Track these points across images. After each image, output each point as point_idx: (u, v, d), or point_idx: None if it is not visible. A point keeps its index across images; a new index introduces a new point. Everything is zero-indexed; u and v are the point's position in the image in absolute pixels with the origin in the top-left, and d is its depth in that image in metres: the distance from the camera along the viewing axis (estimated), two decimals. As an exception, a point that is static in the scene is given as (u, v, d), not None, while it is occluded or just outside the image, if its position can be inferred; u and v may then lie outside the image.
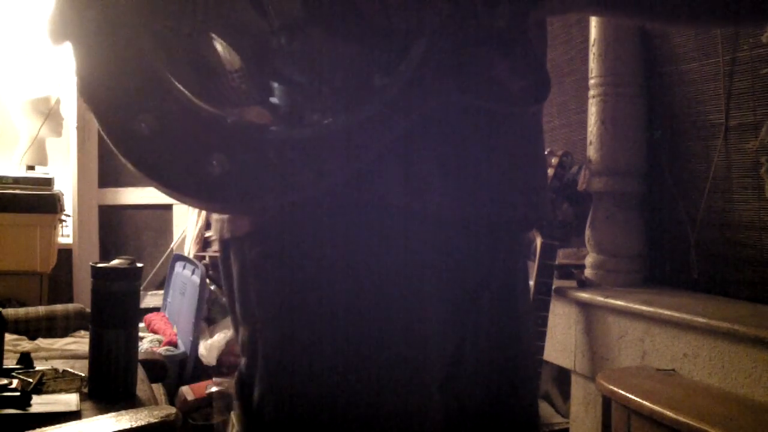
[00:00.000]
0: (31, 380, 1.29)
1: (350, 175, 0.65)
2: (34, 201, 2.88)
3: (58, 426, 1.01)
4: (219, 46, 0.63)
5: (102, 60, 0.62)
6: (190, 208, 3.31)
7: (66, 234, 3.45)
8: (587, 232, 2.11)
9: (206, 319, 2.87)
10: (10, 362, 1.39)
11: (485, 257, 0.79)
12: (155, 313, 3.14)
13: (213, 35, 0.62)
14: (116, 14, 0.62)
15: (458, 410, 0.78)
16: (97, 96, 0.62)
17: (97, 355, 1.33)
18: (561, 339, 2.11)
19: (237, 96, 0.63)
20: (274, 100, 0.64)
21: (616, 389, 1.56)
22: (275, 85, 0.64)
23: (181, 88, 0.61)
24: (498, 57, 0.71)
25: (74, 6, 0.62)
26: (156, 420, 1.05)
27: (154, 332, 2.88)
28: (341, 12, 0.65)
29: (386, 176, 0.69)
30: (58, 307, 2.51)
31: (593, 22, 2.09)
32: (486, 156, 0.76)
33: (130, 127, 0.60)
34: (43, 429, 0.99)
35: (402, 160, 0.69)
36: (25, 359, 1.40)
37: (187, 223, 3.44)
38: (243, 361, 0.78)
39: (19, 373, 1.32)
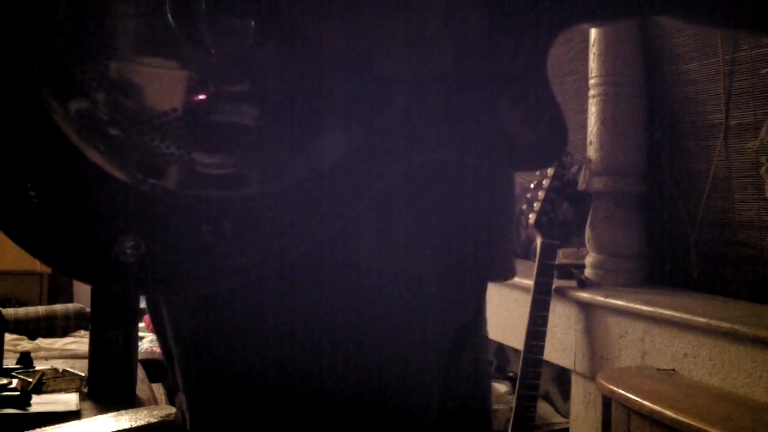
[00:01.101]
0: (31, 380, 1.29)
1: (308, 247, 0.52)
2: (34, 201, 2.88)
3: (58, 426, 1.01)
4: (135, 81, 0.47)
5: None
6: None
7: (66, 234, 3.45)
8: (587, 232, 2.11)
9: (206, 319, 2.86)
10: (10, 362, 1.39)
11: (467, 312, 0.71)
12: (155, 313, 3.13)
13: (126, 67, 0.46)
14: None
15: None
16: None
17: (97, 355, 1.33)
18: (561, 339, 2.11)
19: (158, 152, 0.46)
20: (206, 156, 0.48)
21: (616, 389, 1.56)
22: (210, 134, 0.48)
23: (82, 144, 0.46)
24: (507, 103, 0.56)
25: None
26: (156, 420, 1.05)
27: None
28: (300, 38, 0.49)
29: (358, 241, 0.57)
30: (58, 307, 2.51)
31: (593, 22, 2.09)
32: (464, 211, 0.65)
33: (15, 197, 0.46)
34: (43, 429, 0.99)
35: (378, 218, 0.57)
36: (25, 359, 1.40)
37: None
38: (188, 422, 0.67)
39: (19, 373, 1.32)
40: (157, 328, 0.68)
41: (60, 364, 1.45)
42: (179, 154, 0.47)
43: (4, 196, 0.46)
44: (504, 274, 0.72)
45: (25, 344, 2.15)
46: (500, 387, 2.39)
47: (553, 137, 0.58)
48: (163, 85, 0.47)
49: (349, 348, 0.58)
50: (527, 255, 2.46)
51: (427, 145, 0.54)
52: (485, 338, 0.80)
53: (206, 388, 0.61)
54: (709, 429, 1.30)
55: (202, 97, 0.47)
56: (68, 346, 2.20)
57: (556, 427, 2.17)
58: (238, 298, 0.56)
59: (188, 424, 0.66)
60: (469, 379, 0.74)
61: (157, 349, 2.60)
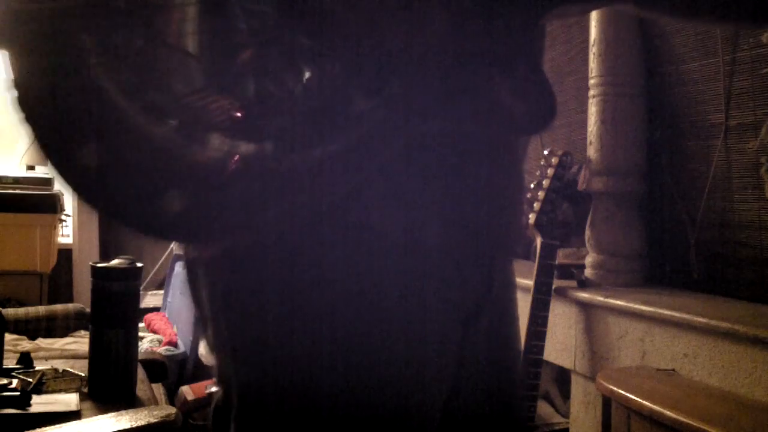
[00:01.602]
0: (31, 380, 1.29)
1: (325, 206, 0.58)
2: (34, 201, 2.87)
3: (58, 426, 1.02)
4: (176, 63, 0.54)
5: (44, 76, 0.53)
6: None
7: (66, 234, 3.44)
8: (587, 232, 2.11)
9: (206, 319, 2.86)
10: (10, 362, 1.39)
11: (478, 283, 0.73)
12: (155, 313, 3.13)
13: (169, 51, 0.53)
14: (59, 25, 0.52)
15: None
16: (37, 116, 0.53)
17: (97, 355, 1.33)
18: (561, 339, 2.11)
19: (197, 122, 0.54)
20: (239, 125, 0.55)
21: (616, 389, 1.56)
22: (241, 108, 0.55)
23: (134, 113, 0.53)
24: (498, 77, 0.62)
25: (8, 8, 0.53)
26: (156, 420, 1.05)
27: (154, 332, 2.87)
28: (319, 23, 0.55)
29: (367, 204, 0.62)
30: (58, 307, 2.51)
31: (593, 22, 2.09)
32: (473, 182, 0.69)
33: (75, 156, 0.53)
34: (43, 429, 0.99)
35: (387, 185, 0.62)
36: (25, 359, 1.40)
37: (187, 223, 3.44)
38: (219, 392, 0.72)
39: (19, 373, 1.32)
40: (194, 292, 0.73)
41: (60, 364, 1.45)
42: (216, 124, 0.54)
43: (66, 154, 0.53)
44: (509, 245, 0.77)
45: (25, 344, 2.15)
46: (500, 387, 2.38)
47: (541, 105, 0.65)
48: (200, 60, 0.54)
49: (358, 304, 0.63)
50: (527, 255, 2.46)
51: (428, 116, 0.59)
52: (506, 318, 0.81)
53: (235, 338, 0.66)
54: (709, 429, 1.30)
55: (240, 66, 0.54)
56: (68, 346, 2.20)
57: (556, 427, 2.17)
58: (266, 255, 0.62)
59: (217, 384, 0.72)
60: (487, 353, 0.76)
61: (157, 349, 2.60)
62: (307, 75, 0.56)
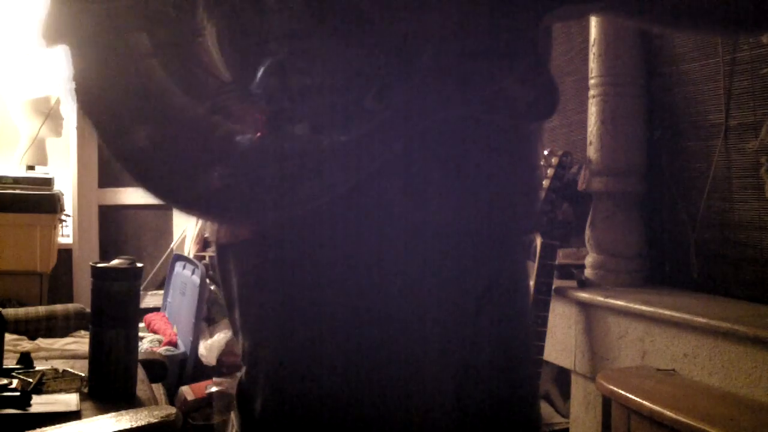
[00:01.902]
0: (31, 380, 1.29)
1: (352, 186, 0.63)
2: (34, 201, 2.87)
3: (58, 426, 1.01)
4: (215, 54, 0.59)
5: (98, 66, 0.59)
6: (190, 208, 3.30)
7: (66, 234, 3.44)
8: (587, 232, 2.11)
9: (206, 319, 2.86)
10: (10, 362, 1.39)
11: (488, 266, 0.78)
12: (155, 313, 3.13)
13: (209, 43, 0.58)
14: (113, 19, 0.58)
15: (460, 411, 0.77)
16: (92, 103, 0.59)
17: (97, 355, 1.33)
18: (561, 339, 2.11)
19: (236, 106, 0.59)
20: (273, 109, 0.60)
21: (616, 389, 1.56)
22: (274, 93, 0.60)
23: (181, 96, 0.59)
24: (506, 68, 0.68)
25: (70, 9, 0.59)
26: (156, 420, 1.05)
27: (154, 332, 2.87)
28: (347, 16, 0.61)
29: (387, 185, 0.67)
30: (58, 307, 2.50)
31: (593, 22, 2.09)
32: (487, 164, 0.74)
33: (128, 137, 0.58)
34: (43, 429, 0.99)
35: (402, 169, 0.68)
36: (25, 359, 1.40)
37: (187, 223, 3.44)
38: (244, 370, 0.76)
39: (19, 373, 1.32)
40: (223, 276, 0.78)
41: (60, 364, 1.45)
42: (254, 108, 0.59)
43: (119, 136, 0.58)
44: (524, 227, 0.82)
45: (25, 344, 2.15)
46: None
47: (546, 96, 0.71)
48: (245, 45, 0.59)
49: (377, 286, 0.68)
50: (527, 255, 2.46)
51: (446, 101, 0.64)
52: (515, 303, 0.84)
53: (264, 321, 0.71)
54: (709, 429, 1.30)
55: (278, 56, 0.59)
56: (68, 346, 2.20)
57: (556, 427, 2.17)
58: (291, 239, 0.68)
59: (242, 362, 0.76)
60: (495, 341, 0.80)
61: (157, 349, 2.60)
62: (332, 66, 0.61)
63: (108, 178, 3.49)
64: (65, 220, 3.31)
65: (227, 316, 0.82)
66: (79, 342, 2.25)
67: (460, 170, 0.72)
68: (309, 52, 0.60)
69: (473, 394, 0.79)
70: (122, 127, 0.59)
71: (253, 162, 0.59)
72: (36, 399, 1.19)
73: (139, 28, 0.58)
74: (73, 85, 0.59)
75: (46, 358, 1.61)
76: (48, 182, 2.95)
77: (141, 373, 1.43)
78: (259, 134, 0.59)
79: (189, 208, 0.63)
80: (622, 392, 1.53)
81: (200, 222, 3.25)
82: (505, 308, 0.83)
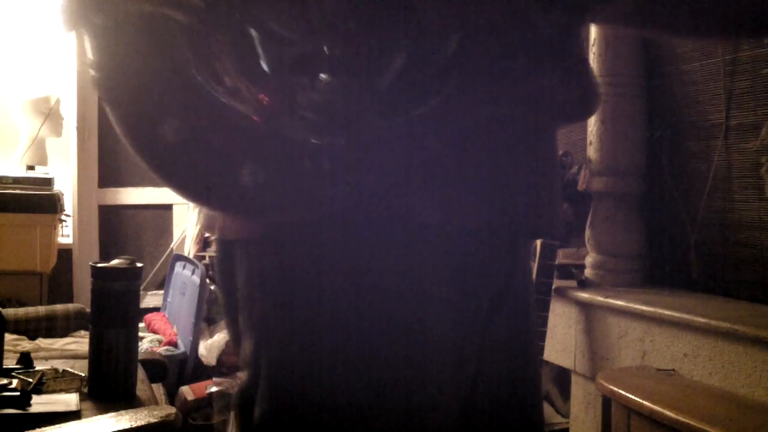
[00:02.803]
0: (31, 380, 1.29)
1: (379, 188, 0.60)
2: (34, 201, 2.87)
3: (58, 426, 1.01)
4: (249, 48, 0.55)
5: (124, 53, 0.55)
6: (191, 208, 3.31)
7: (66, 234, 3.44)
8: (587, 232, 2.11)
9: (206, 319, 2.86)
10: (10, 362, 1.39)
11: (505, 268, 0.75)
12: (155, 313, 3.13)
13: (246, 35, 0.55)
14: (141, 3, 0.55)
15: (465, 417, 0.76)
16: (116, 93, 0.56)
17: (97, 355, 1.33)
18: (561, 339, 2.11)
19: (268, 102, 0.56)
20: (306, 108, 0.57)
21: (616, 389, 1.56)
22: (310, 91, 0.56)
23: (212, 90, 0.54)
24: (548, 66, 0.65)
25: None
26: (156, 420, 1.05)
27: (154, 332, 2.87)
28: (391, 10, 0.57)
29: (413, 191, 0.63)
30: (58, 307, 2.51)
31: (593, 22, 2.09)
32: (516, 167, 0.70)
33: (154, 131, 0.55)
34: (43, 429, 0.99)
35: (430, 173, 0.64)
36: (25, 359, 1.40)
37: (187, 223, 3.44)
38: (244, 375, 0.73)
39: (19, 373, 1.32)
40: (225, 274, 0.74)
41: (60, 364, 1.45)
42: (287, 104, 0.56)
43: (144, 128, 0.55)
44: (548, 229, 0.78)
45: (25, 344, 2.15)
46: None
47: (587, 94, 0.68)
48: (273, 50, 0.55)
49: (393, 292, 0.64)
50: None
51: (484, 100, 0.62)
52: (526, 307, 0.82)
53: (270, 322, 0.67)
54: (709, 429, 1.30)
55: (296, 59, 0.56)
56: (68, 346, 2.20)
57: (556, 427, 2.17)
58: (305, 240, 0.64)
59: (243, 365, 0.73)
60: (507, 344, 0.77)
61: (157, 349, 2.60)
62: (376, 60, 0.57)
63: (108, 178, 3.49)
64: (65, 220, 3.31)
65: (224, 317, 0.79)
66: (79, 342, 2.25)
67: (485, 172, 0.68)
68: (351, 49, 0.57)
69: (479, 398, 0.76)
70: (148, 120, 0.55)
71: (288, 158, 0.56)
72: (36, 399, 1.19)
73: (170, 16, 0.54)
74: (95, 73, 0.56)
75: (46, 358, 1.61)
76: (48, 182, 2.95)
77: (141, 373, 1.43)
78: (256, 119, 0.56)
79: (217, 208, 0.61)
80: (622, 392, 1.53)
81: (201, 220, 3.25)
82: (518, 309, 0.80)
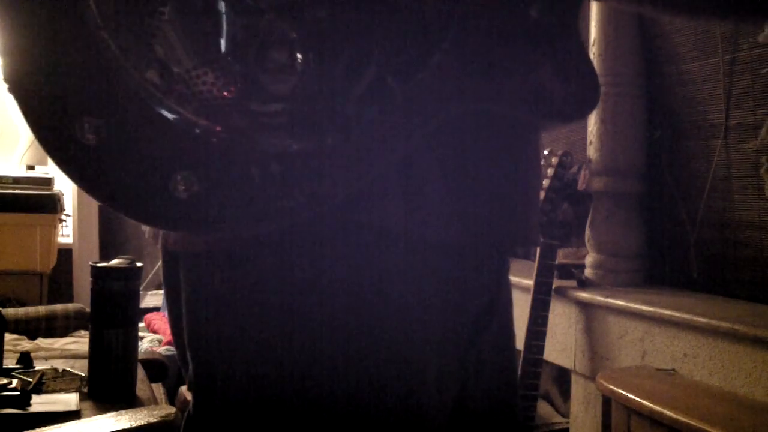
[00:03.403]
0: (31, 380, 1.29)
1: (345, 197, 0.52)
2: (34, 201, 2.87)
3: (58, 426, 1.01)
4: (184, 32, 0.48)
5: (32, 40, 0.47)
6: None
7: (66, 234, 3.44)
8: (587, 232, 2.11)
9: (206, 319, 2.86)
10: (10, 362, 1.39)
11: (489, 283, 0.69)
12: (155, 313, 3.14)
13: (178, 18, 0.47)
14: None
15: (459, 417, 0.74)
16: (26, 89, 0.47)
17: (97, 355, 1.33)
18: (561, 339, 2.11)
19: (208, 97, 0.48)
20: (257, 104, 0.49)
21: (616, 389, 1.56)
22: (258, 80, 0.49)
23: (142, 84, 0.47)
24: (541, 56, 0.57)
25: None
26: (156, 420, 1.05)
27: (154, 332, 2.87)
28: None
29: (384, 198, 0.56)
30: (58, 307, 2.51)
31: (593, 21, 2.09)
32: (496, 170, 0.63)
33: (70, 132, 0.47)
34: (43, 429, 0.99)
35: (402, 179, 0.57)
36: (25, 359, 1.40)
37: (187, 223, 3.44)
38: (191, 401, 0.64)
39: (19, 373, 1.32)
40: (171, 287, 0.67)
41: (60, 364, 1.45)
42: (233, 99, 0.48)
43: (58, 129, 0.47)
44: (527, 243, 0.71)
45: (25, 344, 2.15)
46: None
47: (585, 90, 0.59)
48: (219, 31, 0.48)
49: (364, 311, 0.57)
50: (527, 255, 2.46)
51: (464, 96, 0.54)
52: (510, 323, 0.77)
53: (220, 347, 0.59)
54: (709, 429, 1.30)
55: (254, 45, 0.48)
56: (68, 346, 2.20)
57: (556, 427, 2.17)
58: (260, 256, 0.56)
59: (190, 388, 0.65)
60: (493, 364, 0.72)
61: (157, 349, 2.60)
62: (343, 54, 0.51)
63: (108, 178, 3.49)
64: (65, 220, 3.31)
65: (172, 336, 0.72)
66: (79, 342, 2.25)
67: (467, 178, 0.61)
68: (307, 29, 0.49)
69: (465, 415, 0.72)
70: (63, 119, 0.47)
71: (230, 165, 0.49)
72: (36, 399, 1.19)
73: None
74: (2, 65, 0.48)
75: (46, 358, 1.61)
76: (48, 182, 2.95)
77: (141, 373, 1.43)
78: (190, 116, 0.49)
79: (143, 221, 0.52)
80: (622, 392, 1.53)
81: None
82: (501, 334, 0.75)
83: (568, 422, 2.13)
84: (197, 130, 0.48)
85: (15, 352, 1.69)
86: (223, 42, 0.48)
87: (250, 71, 0.48)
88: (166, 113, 0.48)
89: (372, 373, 0.58)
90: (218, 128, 0.48)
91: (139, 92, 0.47)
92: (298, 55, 0.49)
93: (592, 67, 0.62)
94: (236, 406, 0.59)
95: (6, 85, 0.48)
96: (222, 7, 0.48)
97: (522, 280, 2.07)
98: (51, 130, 0.47)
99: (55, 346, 2.20)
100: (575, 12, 0.59)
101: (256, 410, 0.58)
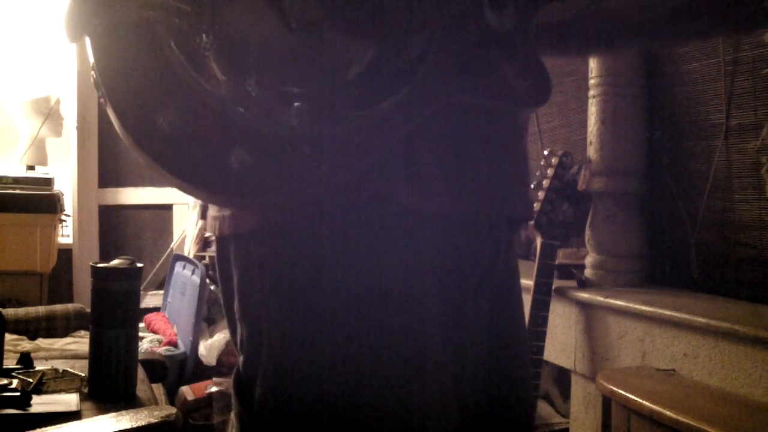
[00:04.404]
0: (31, 380, 1.29)
1: (358, 173, 0.65)
2: (34, 201, 2.87)
3: (58, 426, 1.01)
4: (230, 47, 0.63)
5: (120, 55, 0.62)
6: (190, 207, 3.31)
7: (66, 234, 3.45)
8: (587, 232, 2.11)
9: (206, 319, 2.86)
10: (10, 362, 1.39)
11: (486, 255, 0.80)
12: (155, 313, 3.14)
13: (225, 35, 0.63)
14: (132, 11, 0.62)
15: (458, 409, 0.77)
16: (115, 92, 0.62)
17: (97, 355, 1.33)
18: (561, 339, 2.11)
19: (251, 94, 0.63)
20: (287, 97, 0.64)
21: (616, 389, 1.56)
22: (288, 82, 0.64)
23: (201, 83, 0.62)
24: (504, 58, 0.73)
25: (91, 2, 0.63)
26: (156, 420, 1.05)
27: (154, 332, 2.88)
28: (359, 8, 0.66)
29: (388, 176, 0.69)
30: (58, 307, 2.51)
31: (593, 22, 2.09)
32: (484, 154, 0.76)
33: (150, 123, 0.61)
34: (43, 429, 0.99)
35: (404, 159, 0.70)
36: (25, 359, 1.40)
37: (187, 223, 3.44)
38: (241, 359, 0.77)
39: (19, 373, 1.32)
40: (223, 267, 0.80)
41: (60, 364, 1.45)
42: (268, 95, 0.63)
43: (141, 122, 0.61)
44: (521, 215, 0.85)
45: (25, 344, 2.15)
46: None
47: (539, 85, 0.77)
48: (258, 35, 0.64)
49: (372, 275, 0.70)
50: (527, 255, 2.46)
51: (449, 88, 0.69)
52: (513, 301, 0.88)
53: (264, 310, 0.73)
54: (709, 429, 1.30)
55: (285, 43, 0.64)
56: (68, 346, 2.20)
57: (556, 427, 2.17)
58: (291, 229, 0.71)
59: (239, 351, 0.78)
60: (494, 327, 0.82)
61: (157, 349, 2.60)
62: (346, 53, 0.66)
63: (108, 178, 3.49)
64: (65, 220, 3.31)
65: (224, 312, 0.84)
66: (79, 342, 2.25)
67: (461, 158, 0.74)
68: (324, 45, 0.65)
69: (471, 391, 0.79)
70: (144, 114, 0.61)
71: (272, 144, 0.62)
72: (36, 399, 1.19)
73: (158, 20, 0.62)
74: (96, 75, 0.62)
75: (46, 358, 1.61)
76: (48, 182, 2.95)
77: (141, 373, 1.43)
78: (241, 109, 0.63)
79: (206, 190, 0.65)
80: (622, 392, 1.53)
81: (200, 221, 3.25)
82: (503, 297, 0.85)
83: (568, 422, 2.13)
84: (248, 118, 0.62)
85: (15, 352, 1.69)
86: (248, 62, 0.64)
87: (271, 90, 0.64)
88: (223, 103, 0.62)
89: (378, 335, 0.69)
90: (263, 117, 0.62)
91: (201, 88, 0.62)
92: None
93: (544, 68, 0.78)
94: (278, 358, 0.71)
95: (100, 93, 0.62)
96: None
97: (522, 280, 2.06)
98: (136, 125, 0.61)
99: (55, 346, 2.20)
100: (531, 24, 0.76)
101: (294, 365, 0.70)
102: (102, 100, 0.63)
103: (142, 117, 0.61)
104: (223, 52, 0.63)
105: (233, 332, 0.80)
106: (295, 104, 0.63)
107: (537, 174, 2.08)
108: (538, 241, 2.01)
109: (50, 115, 3.20)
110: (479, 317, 0.80)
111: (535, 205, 2.04)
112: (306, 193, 0.65)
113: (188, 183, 0.62)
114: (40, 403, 1.19)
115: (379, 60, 0.66)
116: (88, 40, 0.62)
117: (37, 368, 1.39)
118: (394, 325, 0.70)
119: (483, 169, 0.76)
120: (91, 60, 0.63)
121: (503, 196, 0.79)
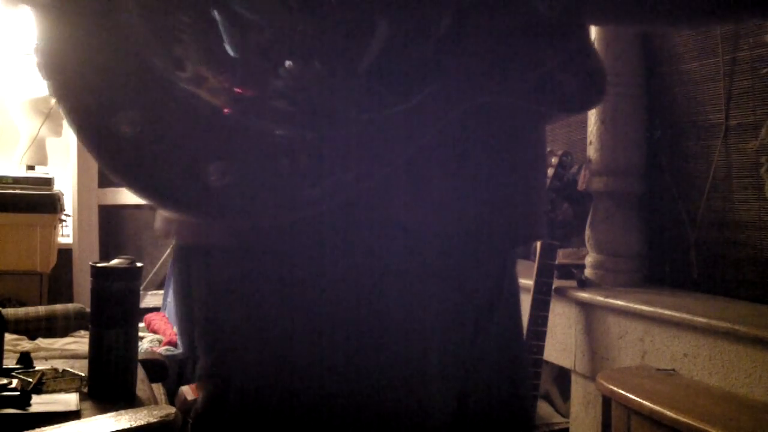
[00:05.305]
0: (31, 380, 1.29)
1: (364, 187, 0.54)
2: (34, 201, 2.87)
3: (58, 426, 1.01)
4: (222, 31, 0.49)
5: (72, 33, 0.49)
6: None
7: (66, 234, 3.44)
8: (587, 232, 2.10)
9: (206, 319, 2.86)
10: (10, 362, 1.39)
11: (494, 276, 0.72)
12: (155, 313, 3.13)
13: (215, 18, 0.49)
14: None
15: (458, 409, 0.75)
16: (63, 79, 0.49)
17: (97, 355, 1.33)
18: (561, 339, 2.11)
19: (238, 91, 0.50)
20: (277, 97, 0.51)
21: (616, 389, 1.56)
22: (288, 76, 0.50)
23: (173, 77, 0.49)
24: (550, 50, 0.58)
25: None
26: (156, 420, 1.04)
27: (154, 332, 2.87)
28: None
29: (392, 192, 0.58)
30: (58, 307, 2.50)
31: (593, 22, 2.09)
32: (499, 169, 0.64)
33: (108, 125, 0.48)
34: (43, 429, 0.99)
35: (410, 173, 0.58)
36: (25, 359, 1.40)
37: (187, 223, 3.44)
38: (201, 396, 0.65)
39: (19, 373, 1.32)
40: (183, 283, 0.67)
41: (60, 364, 1.45)
42: (263, 94, 0.50)
43: (97, 123, 0.49)
44: (530, 238, 0.75)
45: (25, 344, 2.15)
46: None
47: (593, 83, 0.61)
48: (242, 33, 0.49)
49: (371, 297, 0.59)
50: (527, 255, 2.46)
51: (484, 87, 0.55)
52: (516, 318, 0.79)
53: (235, 334, 0.61)
54: (709, 429, 1.30)
55: (274, 42, 0.50)
56: (68, 346, 2.20)
57: (556, 427, 2.17)
58: (276, 246, 0.58)
59: (200, 386, 0.66)
60: (498, 359, 0.74)
61: (157, 349, 2.60)
62: (361, 48, 0.51)
63: (108, 178, 3.48)
64: (65, 220, 3.31)
65: (179, 336, 0.75)
66: (79, 342, 2.25)
67: (470, 174, 0.62)
68: (331, 27, 0.51)
69: (472, 393, 0.77)
70: (102, 113, 0.49)
71: (261, 155, 0.50)
72: (36, 399, 1.19)
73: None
74: (41, 57, 0.49)
75: (46, 358, 1.61)
76: (48, 182, 2.95)
77: (141, 373, 1.43)
78: (226, 110, 0.50)
79: (178, 209, 0.54)
80: (622, 392, 1.53)
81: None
82: (511, 322, 0.78)
83: (568, 422, 2.13)
84: (230, 123, 0.49)
85: (15, 352, 1.69)
86: (227, 47, 0.49)
87: (254, 73, 0.50)
88: (202, 105, 0.49)
89: (378, 362, 0.59)
90: (246, 121, 0.50)
91: (176, 85, 0.49)
92: (289, 63, 0.50)
93: (600, 64, 0.62)
94: (251, 395, 0.60)
95: (45, 78, 0.49)
96: (218, 18, 0.49)
97: (522, 280, 2.06)
98: (88, 123, 0.49)
99: (55, 346, 2.20)
100: (581, 8, 0.60)
101: (269, 400, 0.59)
102: (50, 91, 0.50)
103: (95, 114, 0.49)
104: (202, 36, 0.49)
105: (190, 352, 0.68)
106: (295, 104, 0.51)
107: (537, 174, 2.08)
108: (538, 241, 2.01)
109: (50, 115, 3.20)
110: (487, 338, 0.72)
111: (535, 205, 2.04)
112: (300, 212, 0.53)
113: (154, 199, 0.52)
114: (39, 403, 1.18)
115: (395, 45, 0.51)
116: (31, 11, 0.49)
117: (37, 368, 1.39)
118: (393, 347, 0.60)
119: (496, 186, 0.64)
120: (35, 39, 0.49)
121: (515, 216, 0.67)
